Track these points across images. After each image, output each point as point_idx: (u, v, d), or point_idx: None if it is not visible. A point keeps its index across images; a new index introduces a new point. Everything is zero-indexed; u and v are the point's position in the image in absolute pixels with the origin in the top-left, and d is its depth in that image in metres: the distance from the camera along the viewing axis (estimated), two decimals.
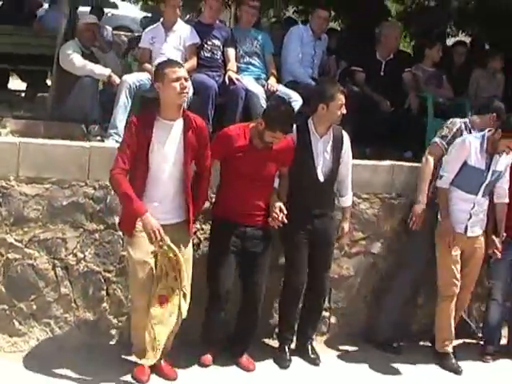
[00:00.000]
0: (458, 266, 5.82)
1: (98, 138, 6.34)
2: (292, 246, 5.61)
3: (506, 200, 6.00)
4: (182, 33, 6.65)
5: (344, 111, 5.48)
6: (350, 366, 5.83)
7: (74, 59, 6.64)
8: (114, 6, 13.33)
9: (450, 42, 10.31)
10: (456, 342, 6.12)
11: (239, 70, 6.81)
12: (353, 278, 6.30)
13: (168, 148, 4.94)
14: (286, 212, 5.29)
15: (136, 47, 7.24)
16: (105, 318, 5.64)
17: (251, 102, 6.46)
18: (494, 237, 5.98)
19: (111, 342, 5.65)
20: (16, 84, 10.39)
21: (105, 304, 5.62)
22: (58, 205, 5.44)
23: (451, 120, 6.21)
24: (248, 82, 6.65)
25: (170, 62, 5.12)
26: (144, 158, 4.89)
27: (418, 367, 5.92)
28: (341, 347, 6.15)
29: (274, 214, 5.29)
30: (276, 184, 5.48)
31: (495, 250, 5.98)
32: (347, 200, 5.81)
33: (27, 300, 5.45)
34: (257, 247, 5.40)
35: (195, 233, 5.64)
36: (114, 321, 5.65)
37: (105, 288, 5.62)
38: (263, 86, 6.74)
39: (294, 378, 5.51)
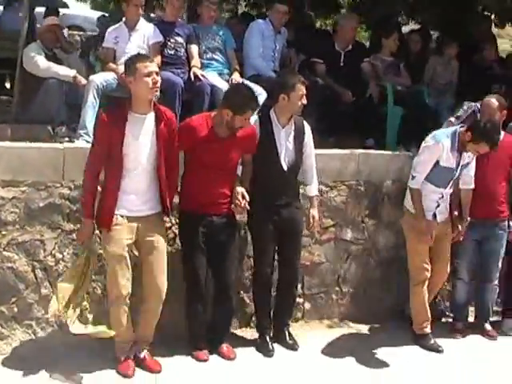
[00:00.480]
0: (427, 251, 6.01)
1: (66, 139, 6.35)
2: (259, 237, 5.75)
3: (472, 186, 6.16)
4: (146, 31, 6.72)
5: (305, 101, 5.59)
6: (327, 350, 5.97)
7: (38, 61, 6.64)
8: (65, 6, 13.26)
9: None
10: None
11: (202, 66, 6.90)
12: (324, 264, 6.47)
13: (142, 141, 5.04)
14: (248, 198, 5.39)
15: (99, 47, 7.25)
16: (85, 316, 5.65)
17: (217, 98, 6.52)
18: (458, 223, 6.14)
19: (92, 340, 5.67)
20: None
21: (85, 303, 5.64)
22: (34, 207, 5.50)
23: (467, 103, 6.54)
24: (213, 77, 6.76)
25: (141, 57, 5.21)
26: (118, 152, 4.98)
27: (396, 348, 6.09)
28: (316, 332, 6.31)
29: (236, 201, 5.41)
30: (239, 172, 5.58)
31: (458, 234, 6.17)
32: (312, 189, 5.91)
33: (8, 303, 5.51)
34: (224, 236, 5.50)
35: (170, 228, 5.74)
36: (94, 319, 5.64)
37: None
38: (227, 81, 6.84)
39: (275, 363, 5.64)
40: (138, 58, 5.17)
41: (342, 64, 7.68)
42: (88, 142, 6.08)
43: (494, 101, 6.27)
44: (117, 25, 6.87)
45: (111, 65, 6.60)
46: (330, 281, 6.52)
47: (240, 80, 6.84)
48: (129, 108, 5.04)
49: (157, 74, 5.03)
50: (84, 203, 5.12)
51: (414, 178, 5.95)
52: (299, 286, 6.21)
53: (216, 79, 6.73)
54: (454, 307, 6.62)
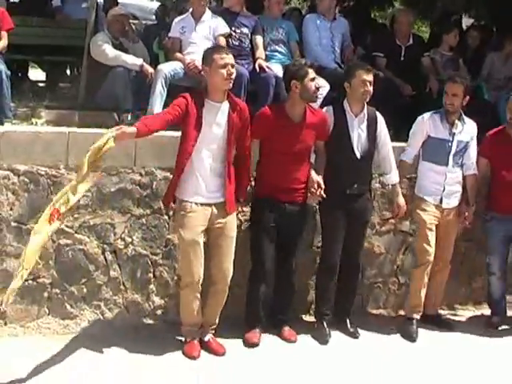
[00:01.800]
0: (434, 235, 6.05)
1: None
2: (329, 224, 5.85)
3: (474, 171, 6.21)
4: (212, 23, 6.82)
5: (368, 88, 5.69)
6: (384, 339, 6.04)
7: (106, 50, 6.77)
8: None
9: None
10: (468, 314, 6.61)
11: (266, 58, 7.01)
12: (383, 255, 6.56)
13: (215, 128, 5.21)
14: (323, 186, 5.53)
15: (164, 36, 7.39)
16: (152, 299, 5.87)
17: (281, 89, 6.59)
18: (465, 209, 6.21)
19: (158, 322, 5.87)
20: (33, 73, 10.49)
21: (152, 286, 5.86)
22: (106, 191, 5.67)
23: None
24: (277, 68, 6.85)
25: (218, 48, 5.46)
26: (192, 136, 5.13)
27: (448, 335, 6.18)
28: (373, 321, 6.39)
29: (312, 189, 5.56)
30: (313, 160, 5.72)
31: (465, 221, 6.23)
32: (393, 176, 6.03)
33: (78, 284, 5.70)
34: (295, 223, 5.65)
35: (236, 215, 5.84)
36: (161, 301, 5.89)
37: (152, 270, 5.85)
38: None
39: (334, 350, 5.72)
40: (215, 49, 5.41)
41: (402, 58, 7.73)
42: None
43: None
44: (183, 15, 6.99)
45: (178, 54, 6.71)
46: (388, 271, 6.61)
47: (264, 64, 6.86)
48: (205, 96, 5.22)
49: (232, 66, 5.19)
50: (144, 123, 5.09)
51: (404, 151, 6.18)
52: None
53: (280, 70, 6.78)
54: (490, 302, 6.56)
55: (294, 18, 8.22)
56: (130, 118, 6.71)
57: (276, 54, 7.17)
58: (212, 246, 5.37)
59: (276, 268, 5.71)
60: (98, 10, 8.10)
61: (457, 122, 6.07)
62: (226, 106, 5.25)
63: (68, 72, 10.06)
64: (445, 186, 6.07)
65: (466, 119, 6.15)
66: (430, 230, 6.05)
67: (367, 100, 5.80)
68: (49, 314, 5.66)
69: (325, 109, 5.90)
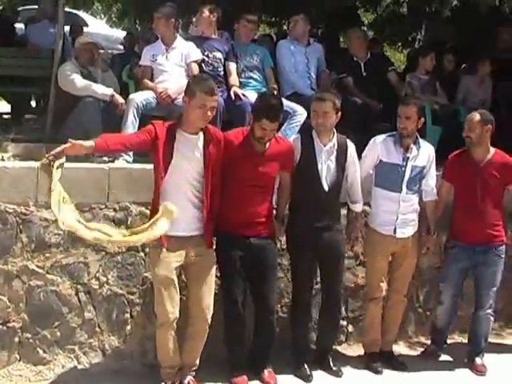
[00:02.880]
0: (386, 268, 5.84)
1: (104, 158, 6.24)
2: (299, 261, 5.59)
3: (434, 198, 5.95)
4: (183, 49, 6.63)
5: (318, 120, 5.39)
6: (369, 375, 5.82)
7: (75, 80, 6.52)
8: (85, 24, 13.21)
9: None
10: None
11: (240, 85, 6.82)
12: None
13: (189, 161, 4.95)
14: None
15: (131, 64, 7.20)
16: (129, 341, 5.60)
17: None
18: (426, 239, 5.98)
19: (136, 365, 5.57)
20: None
21: (129, 327, 5.60)
22: None
23: None
24: (252, 96, 6.63)
25: (205, 86, 4.92)
26: (163, 169, 4.87)
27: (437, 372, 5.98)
28: (359, 355, 6.15)
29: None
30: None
31: (428, 250, 6.02)
32: (359, 206, 5.82)
33: (51, 327, 5.41)
34: (263, 258, 5.35)
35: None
36: (139, 343, 5.61)
37: (128, 311, 5.59)
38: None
39: None
40: (201, 85, 4.93)
41: (364, 74, 7.70)
42: (128, 161, 6.00)
43: (476, 115, 5.90)
44: (154, 43, 6.79)
45: (150, 83, 6.50)
46: None
47: (240, 91, 6.68)
48: (179, 126, 4.96)
49: (212, 109, 4.91)
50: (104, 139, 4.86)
51: None
52: (343, 308, 6.08)
53: (255, 98, 6.60)
54: (432, 330, 6.35)
55: (266, 44, 8.05)
56: None
57: (251, 80, 6.97)
58: (190, 285, 5.13)
59: (254, 308, 5.44)
60: (64, 38, 7.86)
61: (412, 146, 5.75)
62: (201, 137, 4.99)
63: (33, 103, 9.77)
64: (398, 215, 5.73)
65: (423, 143, 5.84)
66: (382, 264, 5.81)
67: (322, 130, 5.44)
68: (20, 360, 5.37)
69: (293, 137, 5.68)
